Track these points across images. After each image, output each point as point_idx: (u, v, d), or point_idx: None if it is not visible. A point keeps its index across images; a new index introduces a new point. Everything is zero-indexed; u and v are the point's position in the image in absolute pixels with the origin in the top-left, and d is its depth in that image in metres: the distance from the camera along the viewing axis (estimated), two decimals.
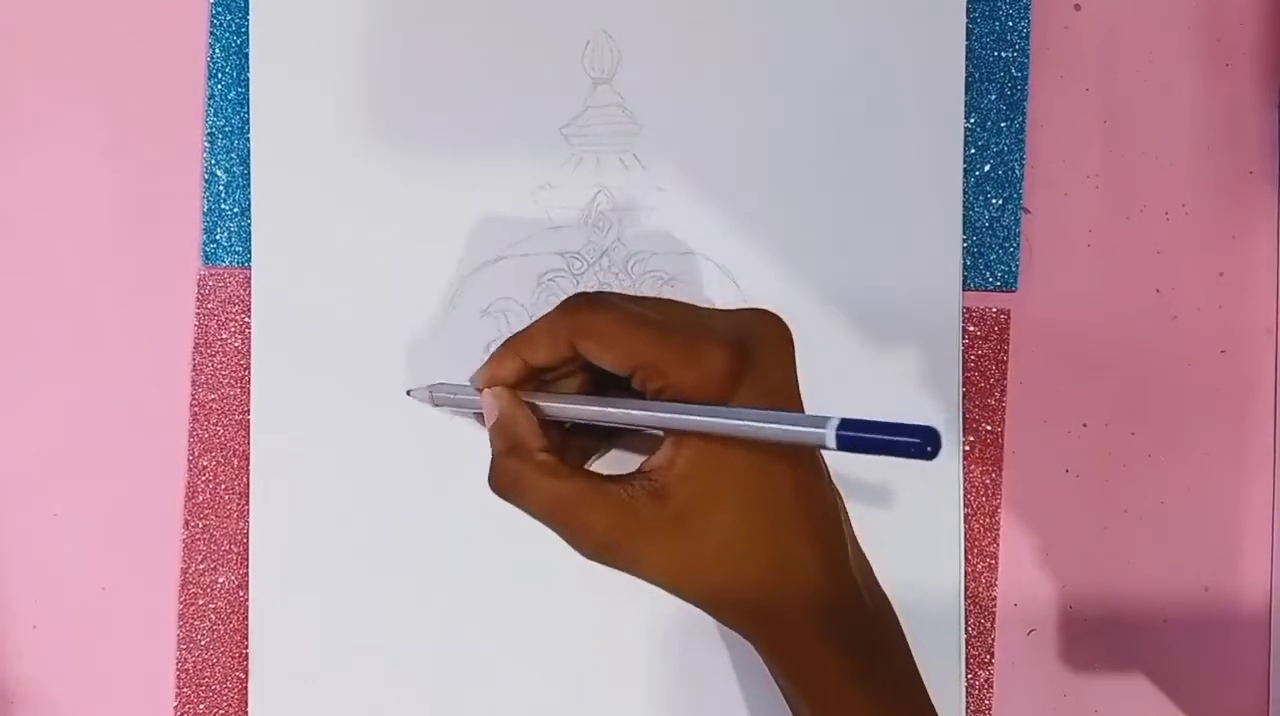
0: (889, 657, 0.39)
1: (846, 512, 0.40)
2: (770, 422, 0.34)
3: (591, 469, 0.40)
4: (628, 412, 0.37)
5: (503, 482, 0.39)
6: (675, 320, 0.38)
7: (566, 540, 0.38)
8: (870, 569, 0.40)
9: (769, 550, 0.37)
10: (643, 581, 0.38)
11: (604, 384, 0.41)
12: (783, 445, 0.36)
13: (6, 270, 0.49)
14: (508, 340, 0.41)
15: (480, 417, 0.42)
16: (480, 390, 0.41)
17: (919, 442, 0.30)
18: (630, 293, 0.48)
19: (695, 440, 0.37)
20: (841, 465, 0.45)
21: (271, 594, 0.48)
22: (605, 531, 0.37)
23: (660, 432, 0.38)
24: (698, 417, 0.36)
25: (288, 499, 0.48)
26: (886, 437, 0.31)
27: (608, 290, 0.42)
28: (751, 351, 0.37)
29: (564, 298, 0.40)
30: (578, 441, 0.42)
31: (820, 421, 0.32)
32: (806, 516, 0.38)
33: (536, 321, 0.40)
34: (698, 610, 0.39)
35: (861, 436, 0.32)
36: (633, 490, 0.37)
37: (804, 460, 0.38)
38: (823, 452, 0.39)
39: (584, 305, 0.39)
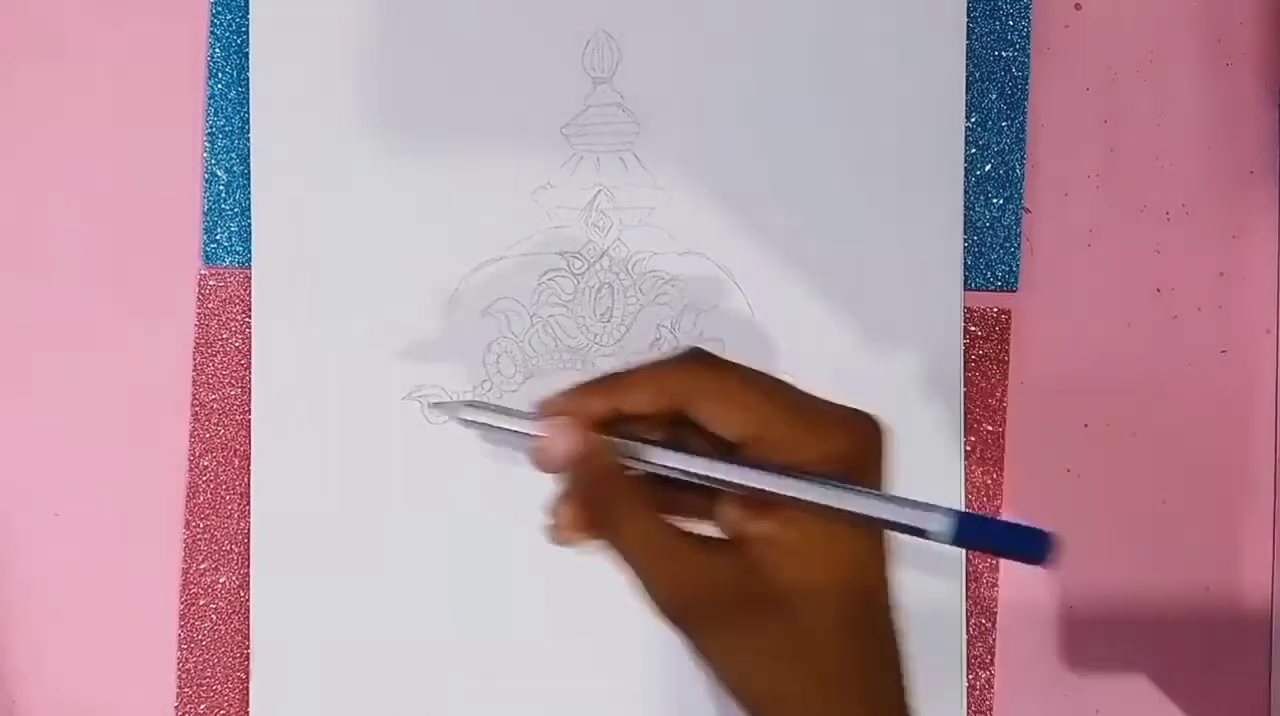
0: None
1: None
2: (894, 505, 0.34)
3: None
4: (749, 474, 0.35)
5: (593, 512, 0.36)
6: (799, 395, 0.36)
7: (644, 587, 0.35)
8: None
9: (840, 660, 0.35)
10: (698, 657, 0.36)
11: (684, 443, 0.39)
12: (892, 529, 0.35)
13: (6, 270, 0.49)
14: (601, 379, 0.37)
15: (512, 441, 0.40)
16: (541, 416, 0.38)
17: (1037, 548, 0.30)
18: (633, 293, 0.48)
19: (801, 524, 0.35)
20: None
21: (272, 594, 0.48)
22: (689, 589, 0.35)
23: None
24: (818, 487, 0.35)
25: (288, 499, 0.48)
26: (1004, 541, 0.31)
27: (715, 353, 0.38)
28: (869, 444, 0.36)
29: (679, 349, 0.37)
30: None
31: (942, 511, 0.32)
32: (882, 641, 0.36)
33: (640, 368, 0.37)
34: None
35: (979, 535, 0.32)
36: (724, 556, 0.35)
37: (885, 586, 0.36)
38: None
39: (703, 365, 0.36)
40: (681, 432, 0.37)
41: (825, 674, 0.35)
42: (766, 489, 0.36)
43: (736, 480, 0.36)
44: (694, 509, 0.38)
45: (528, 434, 0.38)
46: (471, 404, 0.42)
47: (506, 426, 0.40)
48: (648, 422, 0.37)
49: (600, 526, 0.36)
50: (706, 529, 0.37)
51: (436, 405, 0.47)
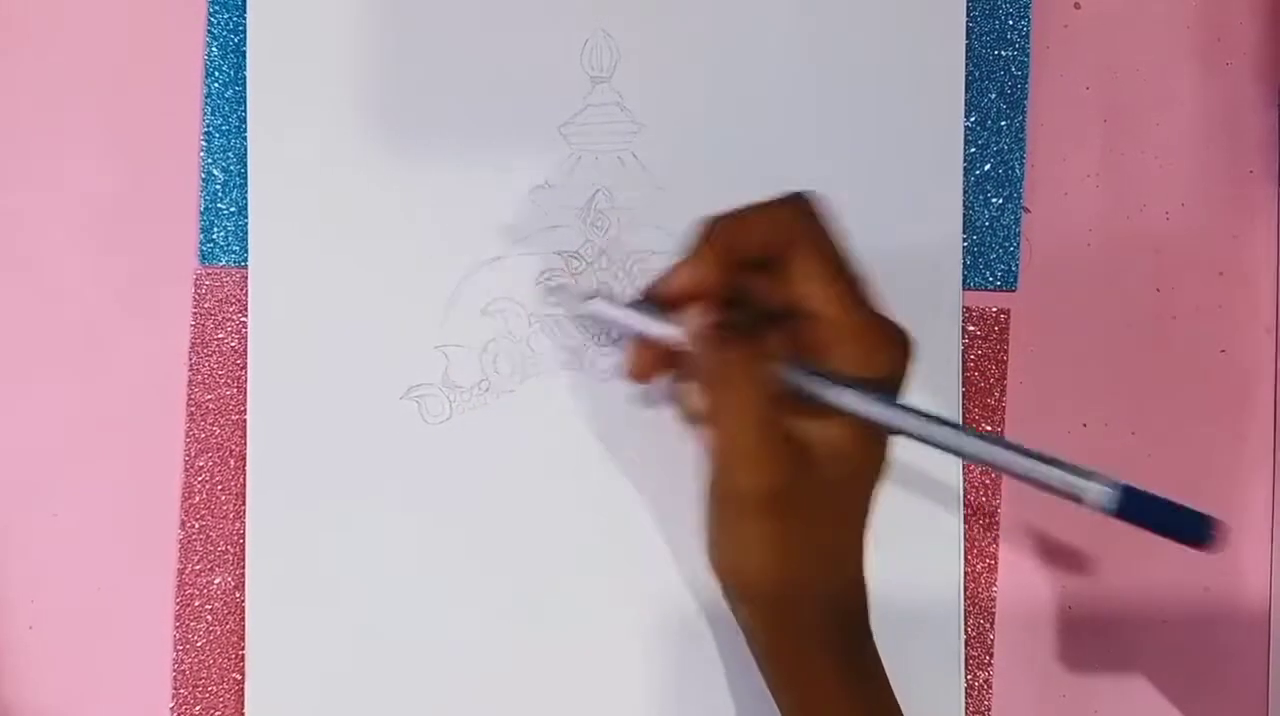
0: (874, 663, 0.40)
1: None
2: (1059, 470, 0.35)
3: None
4: (916, 421, 0.37)
5: (725, 362, 0.37)
6: (868, 294, 0.38)
7: (735, 458, 0.37)
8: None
9: (833, 539, 0.39)
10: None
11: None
12: (1047, 491, 0.36)
13: (4, 269, 0.49)
14: (710, 226, 0.38)
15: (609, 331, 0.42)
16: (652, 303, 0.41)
17: (1197, 531, 0.30)
18: (632, 293, 0.48)
19: (853, 432, 0.38)
20: None
21: (268, 595, 0.47)
22: (770, 479, 0.37)
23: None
24: (986, 446, 0.36)
25: (284, 499, 0.48)
26: (1164, 521, 0.31)
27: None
28: (905, 364, 0.38)
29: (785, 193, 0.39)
30: None
31: (1105, 481, 0.33)
32: (867, 513, 0.39)
33: (752, 206, 0.38)
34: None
35: (1142, 512, 0.32)
36: (798, 454, 0.37)
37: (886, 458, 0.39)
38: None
39: (805, 217, 0.38)
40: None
41: (840, 562, 0.39)
42: (908, 429, 0.37)
43: (874, 413, 0.37)
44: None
45: (656, 334, 0.40)
46: (596, 297, 0.43)
47: (634, 326, 0.41)
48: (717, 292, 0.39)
49: (720, 406, 0.37)
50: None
51: (559, 287, 0.46)
